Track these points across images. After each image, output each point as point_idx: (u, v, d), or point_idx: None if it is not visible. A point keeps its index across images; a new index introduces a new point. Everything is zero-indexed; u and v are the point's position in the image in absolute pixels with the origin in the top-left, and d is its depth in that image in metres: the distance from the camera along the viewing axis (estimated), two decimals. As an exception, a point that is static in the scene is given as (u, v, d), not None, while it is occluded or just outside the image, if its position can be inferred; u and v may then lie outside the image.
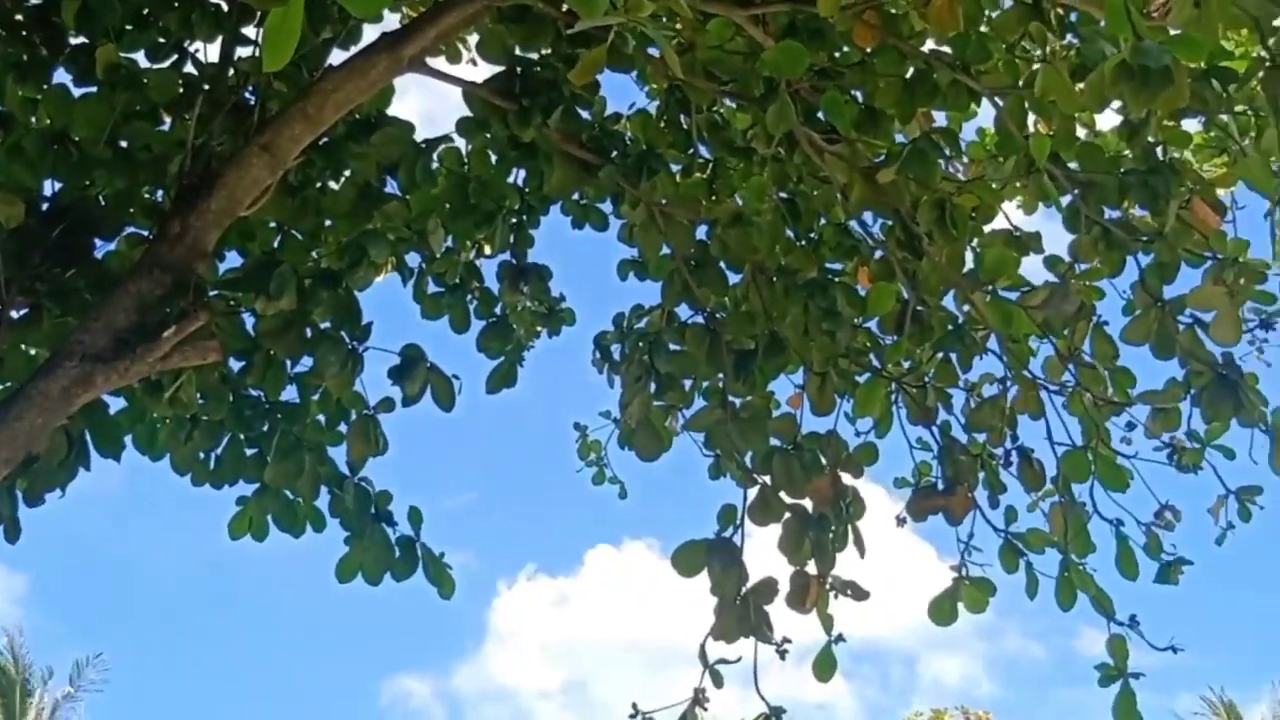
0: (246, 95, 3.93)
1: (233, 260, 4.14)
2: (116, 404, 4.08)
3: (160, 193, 3.86)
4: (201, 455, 4.27)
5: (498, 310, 4.41)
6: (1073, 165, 3.58)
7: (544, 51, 3.95)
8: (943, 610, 3.95)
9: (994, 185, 4.01)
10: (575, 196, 4.23)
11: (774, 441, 3.78)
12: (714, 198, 3.78)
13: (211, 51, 3.99)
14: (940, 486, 3.89)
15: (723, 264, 3.76)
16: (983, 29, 3.61)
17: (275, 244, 4.15)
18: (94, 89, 3.82)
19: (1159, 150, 3.75)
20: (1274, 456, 3.63)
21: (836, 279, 3.81)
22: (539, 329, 4.51)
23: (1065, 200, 3.60)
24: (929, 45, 3.69)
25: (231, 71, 3.98)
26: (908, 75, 3.64)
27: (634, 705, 3.87)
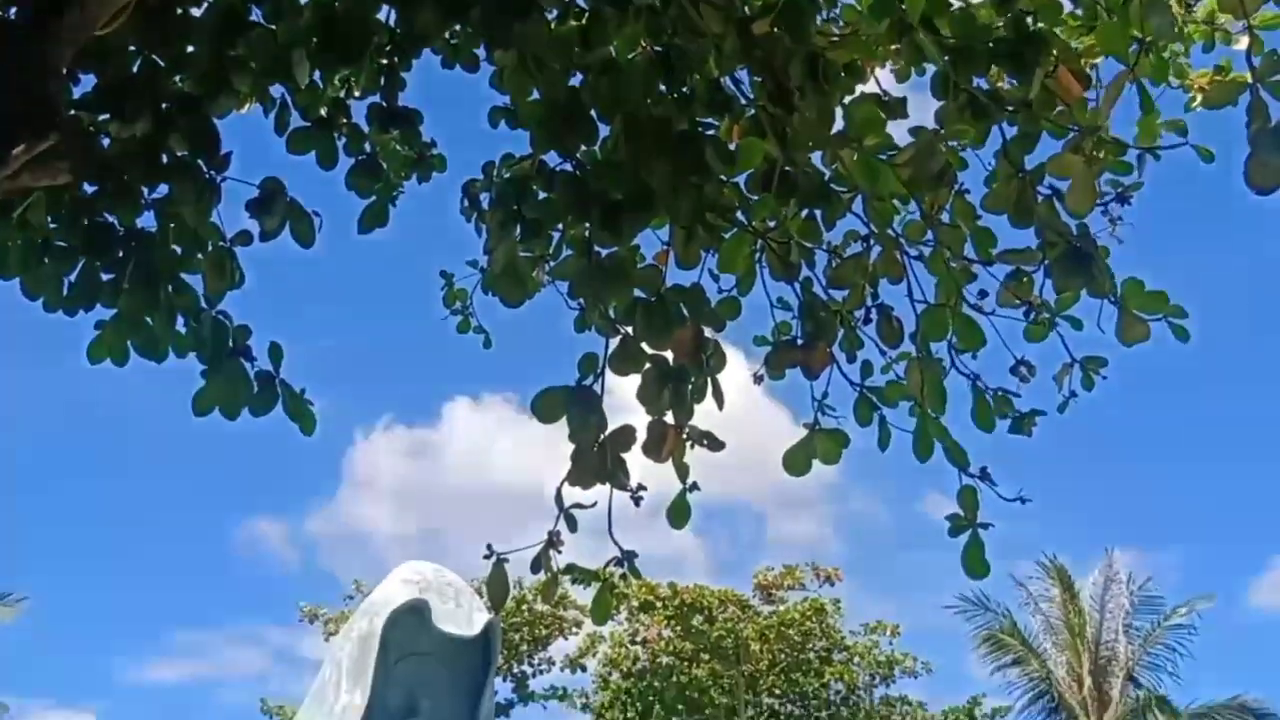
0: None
1: (90, 83, 4.00)
2: (-39, 225, 3.96)
3: (12, 10, 3.70)
4: (55, 281, 4.17)
5: (367, 148, 4.34)
6: (945, 32, 3.60)
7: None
8: (796, 460, 4.04)
9: (866, 40, 4.01)
10: (446, 37, 4.15)
11: (638, 293, 3.81)
12: (587, 46, 3.72)
13: None
14: (799, 342, 3.97)
15: (594, 113, 3.74)
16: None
17: (134, 68, 4.01)
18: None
19: (1029, 20, 3.78)
20: (1120, 328, 3.76)
21: (707, 134, 3.80)
22: (406, 174, 4.44)
23: (935, 68, 3.63)
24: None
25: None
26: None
27: (489, 546, 3.93)
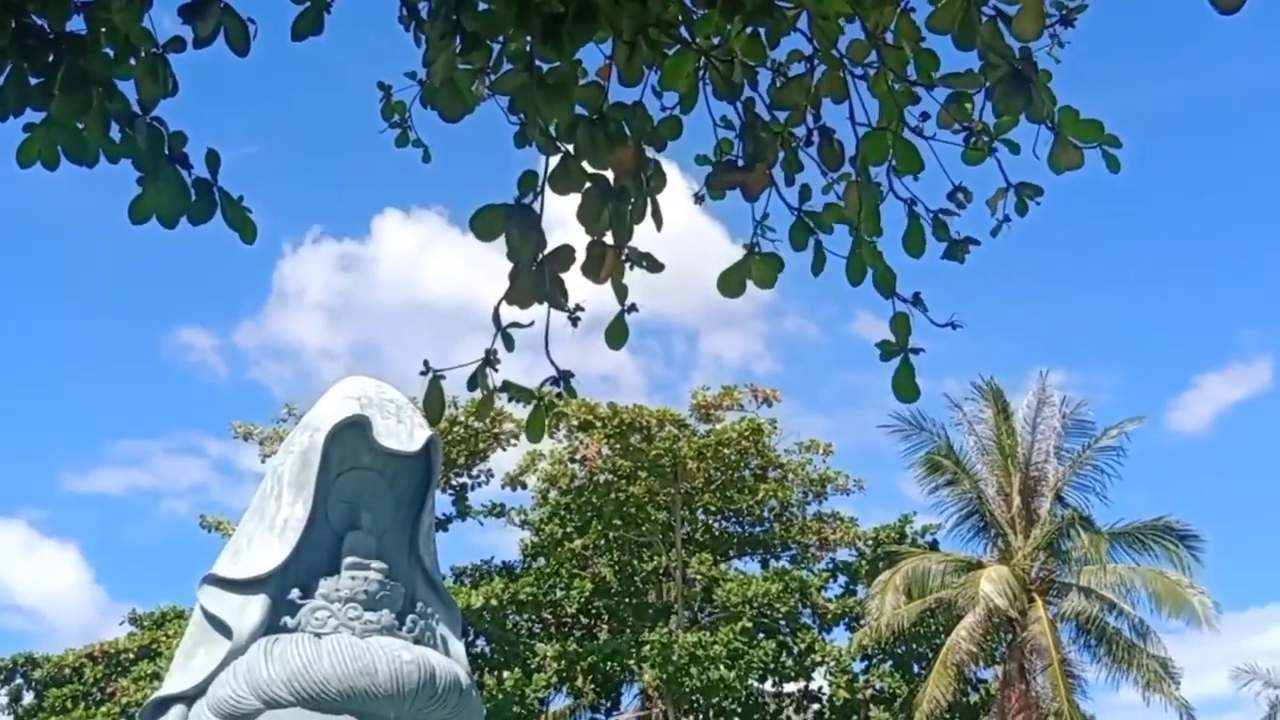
0: None
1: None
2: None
3: None
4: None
5: (300, -47, 4.21)
6: None
7: None
8: (731, 282, 4.05)
9: None
10: None
11: (579, 109, 3.76)
12: None
13: None
14: (740, 163, 3.94)
15: (536, -77, 3.65)
16: None
17: None
18: None
19: None
20: (1054, 154, 3.77)
21: (651, -54, 3.72)
22: (341, -19, 4.32)
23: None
24: None
25: None
26: None
27: (425, 362, 3.93)
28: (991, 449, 30.98)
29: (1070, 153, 3.79)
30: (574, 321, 3.77)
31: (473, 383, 3.80)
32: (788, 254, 4.06)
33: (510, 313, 3.76)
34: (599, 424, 30.81)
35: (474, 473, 33.19)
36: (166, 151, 4.18)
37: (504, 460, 33.67)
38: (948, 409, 31.50)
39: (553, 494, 33.20)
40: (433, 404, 3.89)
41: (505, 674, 30.96)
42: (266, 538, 9.45)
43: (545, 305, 3.74)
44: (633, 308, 3.83)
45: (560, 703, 34.58)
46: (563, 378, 3.85)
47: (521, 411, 29.60)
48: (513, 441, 32.80)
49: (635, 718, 34.76)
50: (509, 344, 3.75)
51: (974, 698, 32.17)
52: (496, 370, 3.82)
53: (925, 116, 3.92)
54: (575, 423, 31.11)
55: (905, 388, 4.08)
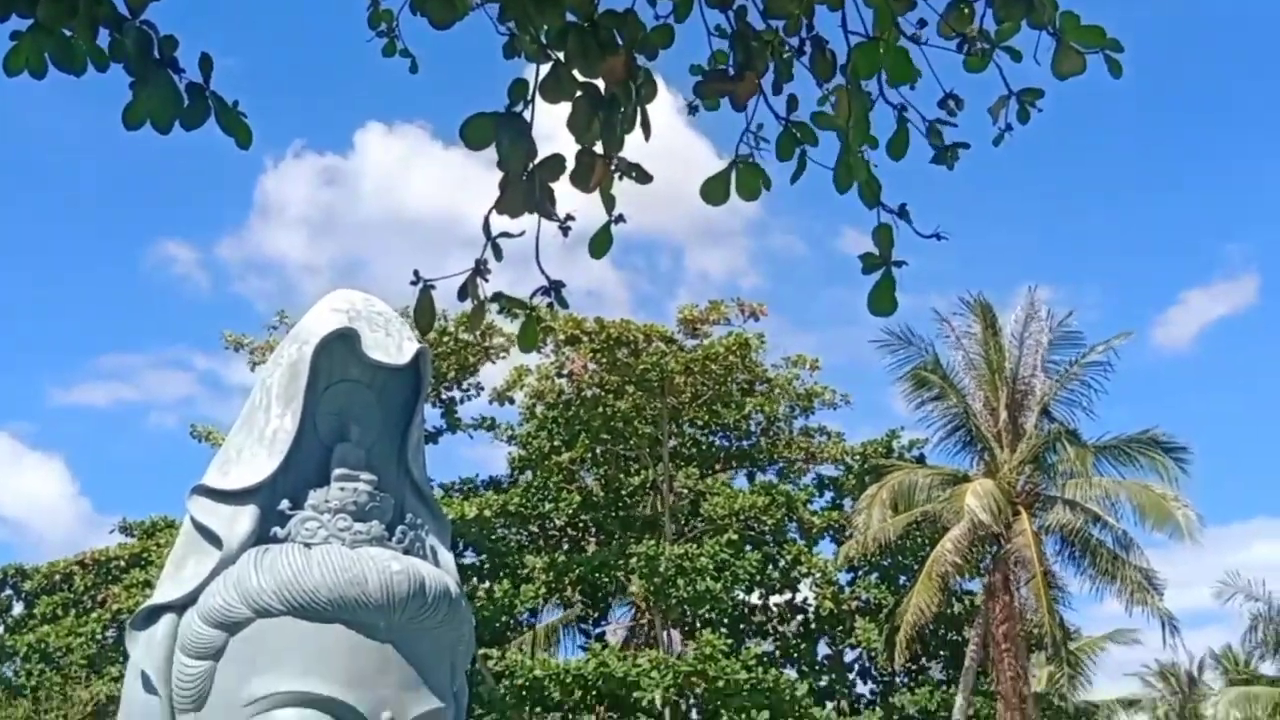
0: None
1: None
2: None
3: None
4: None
5: None
6: None
7: None
8: (715, 190, 4.03)
9: None
10: None
11: (570, 17, 3.73)
12: None
13: None
14: (730, 72, 3.91)
15: None
16: None
17: None
18: None
19: None
20: (1056, 60, 3.74)
21: None
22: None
23: None
24: None
25: None
26: None
27: (415, 272, 3.93)
28: (979, 364, 31.11)
29: (1072, 58, 3.77)
30: (564, 231, 3.77)
31: (463, 293, 3.80)
32: (774, 168, 4.04)
33: (500, 223, 3.75)
34: (586, 339, 30.83)
35: (464, 386, 33.23)
36: (157, 55, 4.13)
37: (493, 374, 33.77)
38: (935, 323, 31.61)
39: (540, 409, 33.28)
40: (423, 314, 3.89)
41: (494, 585, 31.20)
42: (255, 450, 9.44)
43: (535, 215, 3.74)
44: (620, 218, 3.82)
45: (550, 614, 34.92)
46: (554, 288, 3.86)
47: (511, 326, 29.58)
48: (502, 356, 32.84)
49: (625, 628, 35.12)
50: (498, 254, 3.75)
51: (958, 609, 32.51)
52: (486, 280, 3.82)
53: (923, 24, 3.88)
54: (562, 337, 31.11)
55: (883, 300, 4.08)
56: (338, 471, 9.39)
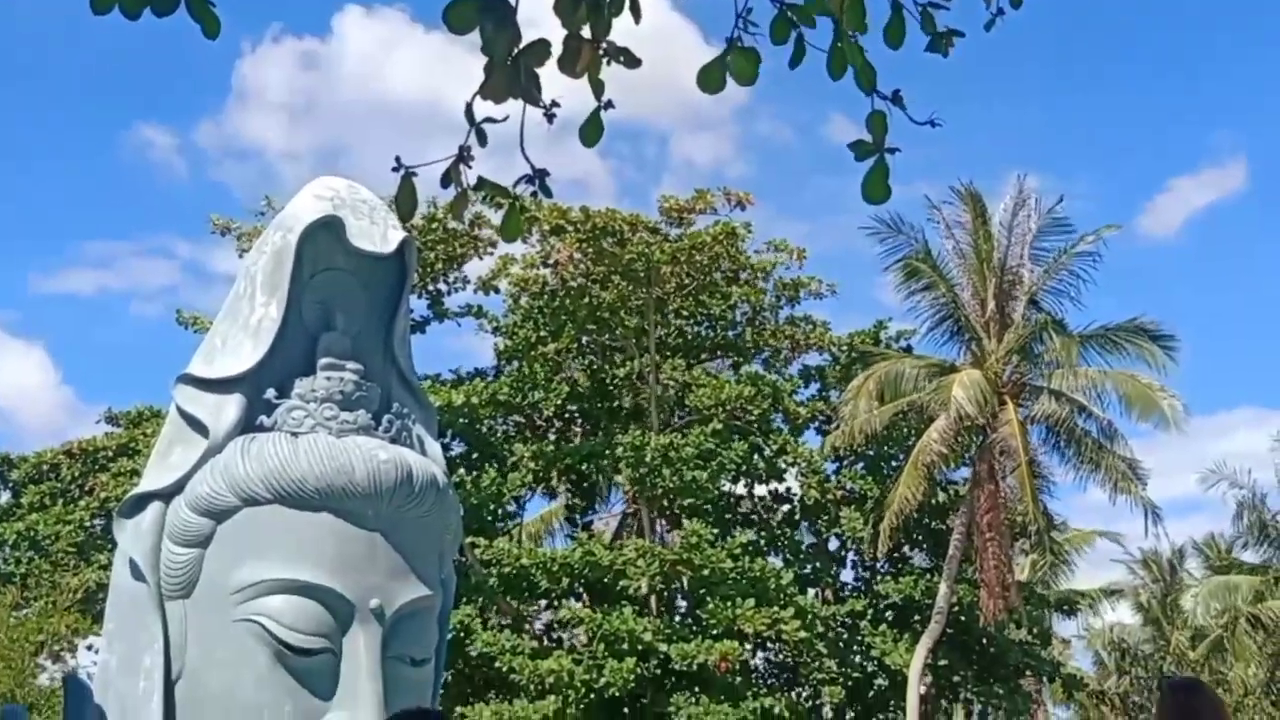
0: None
1: None
2: None
3: None
4: None
5: None
6: None
7: None
8: (711, 77, 3.97)
9: None
10: None
11: (554, -104, 3.65)
12: None
13: None
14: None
15: None
16: None
17: None
18: None
19: None
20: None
21: None
22: None
23: None
24: None
25: None
26: None
27: (397, 159, 3.87)
28: (968, 253, 31.06)
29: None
30: (549, 118, 3.71)
31: (446, 180, 3.76)
32: (766, 51, 3.98)
33: (484, 108, 3.69)
34: (571, 228, 30.68)
35: (450, 280, 33.12)
36: (126, -62, 4.04)
37: (481, 268, 33.64)
38: (925, 210, 31.49)
39: (525, 299, 33.20)
40: (404, 201, 3.84)
41: (481, 474, 31.35)
42: (241, 338, 9.40)
43: (520, 102, 3.67)
44: (610, 104, 3.76)
45: (537, 504, 35.17)
46: (538, 176, 3.81)
47: (498, 217, 29.43)
48: (489, 249, 32.67)
49: (613, 518, 35.38)
50: (482, 139, 3.69)
51: (943, 498, 32.77)
52: (470, 167, 3.77)
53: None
54: (547, 227, 30.96)
55: (876, 188, 4.04)
56: (323, 360, 9.37)
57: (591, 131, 3.77)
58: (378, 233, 9.86)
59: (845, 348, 33.61)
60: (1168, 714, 5.29)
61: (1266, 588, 37.44)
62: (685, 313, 33.53)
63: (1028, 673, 34.76)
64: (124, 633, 9.13)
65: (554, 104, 3.65)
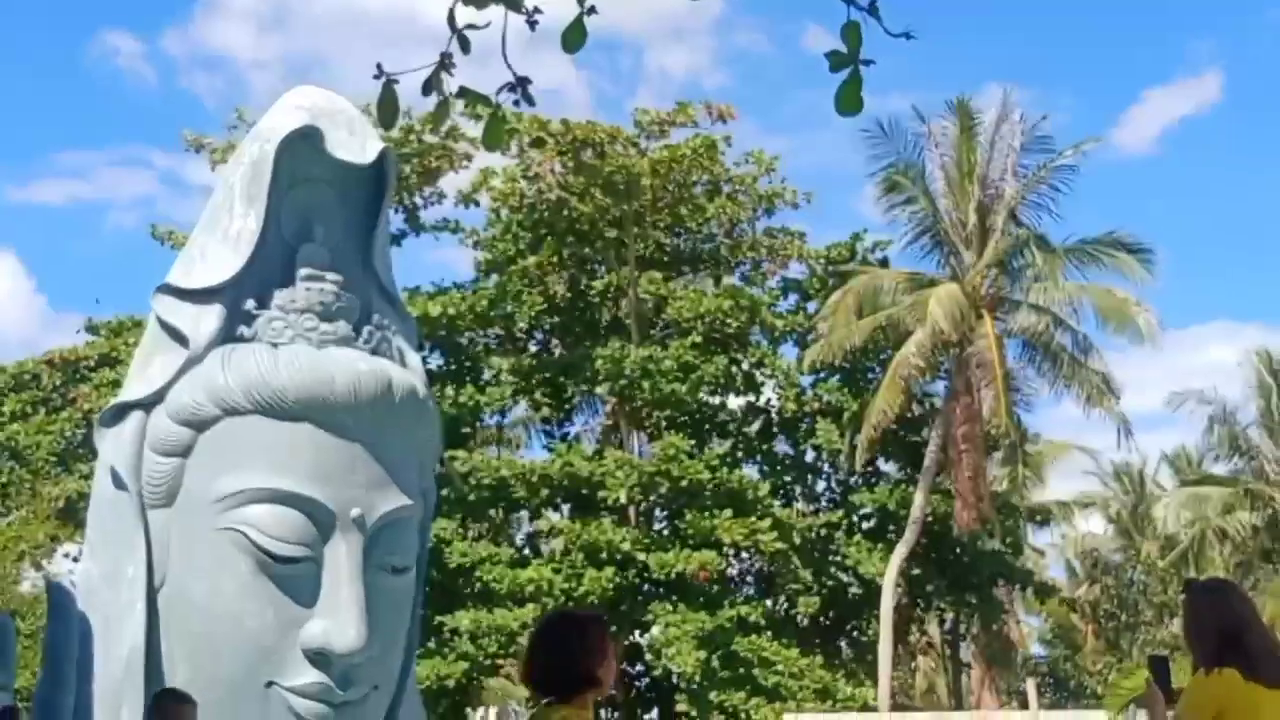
0: None
1: None
2: None
3: None
4: None
5: None
6: None
7: None
8: (693, -14, 3.97)
9: None
10: None
11: None
12: None
13: None
14: None
15: None
16: None
17: None
18: None
19: None
20: None
21: None
22: None
23: None
24: None
25: None
26: None
27: (378, 66, 3.86)
28: (950, 166, 30.98)
29: None
30: (531, 25, 3.70)
31: (427, 88, 3.75)
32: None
33: (466, 14, 3.68)
34: (551, 140, 30.49)
35: (426, 193, 32.93)
36: None
37: (457, 182, 33.42)
38: (911, 122, 31.36)
39: (504, 212, 33.06)
40: (386, 109, 3.84)
41: (460, 387, 31.40)
42: (220, 249, 9.39)
43: (502, 8, 3.66)
44: (592, 9, 3.75)
45: (516, 416, 35.25)
46: (520, 84, 3.80)
47: (475, 129, 29.21)
48: (465, 163, 32.45)
49: (592, 431, 35.51)
50: (465, 46, 3.68)
51: (919, 411, 32.95)
52: (451, 75, 3.76)
53: None
54: (527, 139, 30.76)
55: (850, 100, 4.04)
56: (303, 271, 9.36)
57: (574, 36, 3.76)
58: (356, 143, 9.81)
59: (822, 260, 33.59)
60: (1197, 615, 5.31)
61: (1236, 500, 37.83)
62: (664, 225, 33.45)
63: (1000, 582, 35.16)
64: (106, 542, 9.19)
65: (536, 10, 3.64)
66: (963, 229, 30.72)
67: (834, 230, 46.77)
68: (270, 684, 8.58)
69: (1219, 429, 38.48)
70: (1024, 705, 23.34)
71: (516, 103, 3.92)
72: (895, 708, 31.08)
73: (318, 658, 8.58)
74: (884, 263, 33.26)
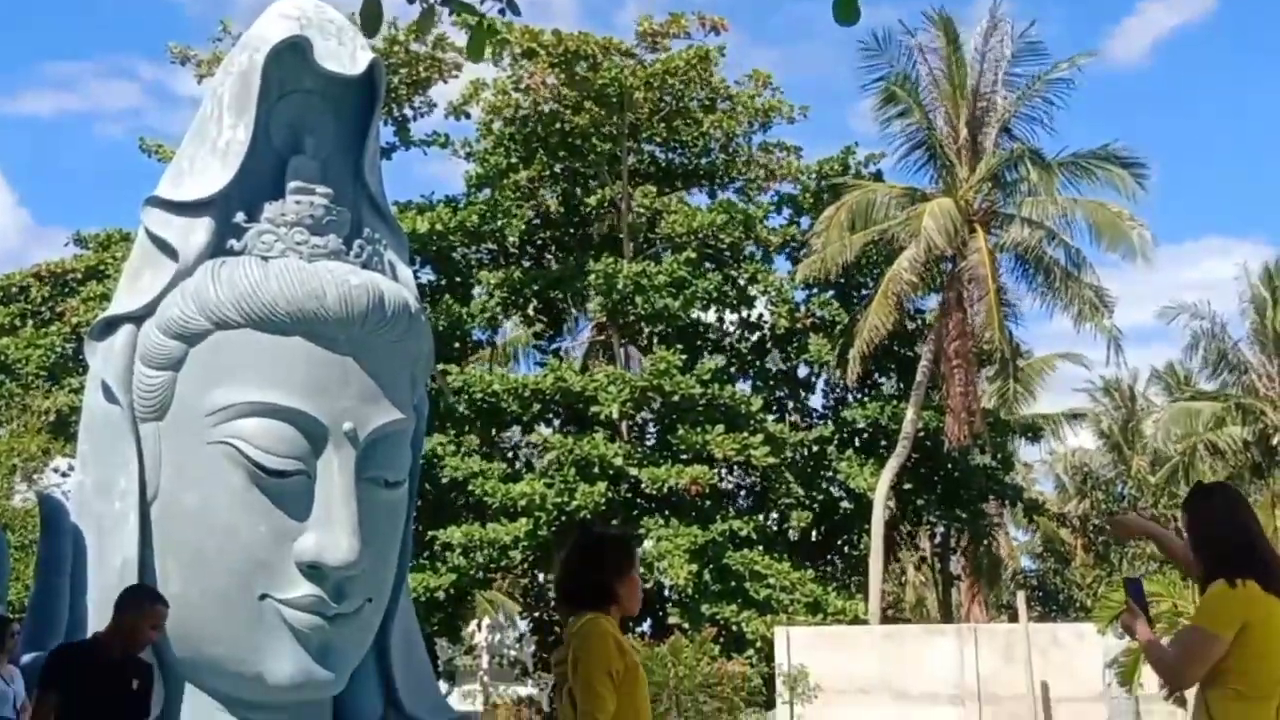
0: None
1: None
2: None
3: None
4: None
5: None
6: None
7: None
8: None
9: None
10: None
11: None
12: None
13: None
14: None
15: None
16: None
17: None
18: None
19: None
20: None
21: None
22: None
23: None
24: None
25: None
26: None
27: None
28: (941, 80, 30.76)
29: None
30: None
31: (416, -5, 3.68)
32: None
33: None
34: (543, 52, 30.20)
35: (415, 104, 32.63)
36: None
37: (447, 92, 33.16)
38: (901, 36, 31.08)
39: (496, 125, 32.80)
40: (369, 16, 3.77)
41: (452, 302, 31.35)
42: (209, 161, 9.32)
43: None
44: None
45: (509, 332, 35.22)
46: (510, -9, 3.73)
47: (463, 39, 28.93)
48: (454, 74, 32.13)
49: (583, 346, 35.51)
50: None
51: (911, 326, 32.96)
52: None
53: None
54: (519, 50, 30.46)
55: (846, 8, 3.98)
56: (293, 184, 9.29)
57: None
58: (346, 54, 9.70)
59: (814, 175, 33.40)
60: (1205, 522, 5.22)
61: (1227, 414, 37.97)
62: (658, 139, 33.20)
63: (990, 497, 35.32)
64: (98, 455, 9.20)
65: (525, -82, 3.57)
66: (955, 142, 30.55)
67: (825, 146, 46.43)
68: (264, 597, 8.63)
69: (1210, 344, 38.51)
70: (1013, 618, 23.58)
71: (502, 11, 3.86)
72: (885, 620, 31.37)
73: (311, 571, 8.62)
74: (877, 176, 33.12)
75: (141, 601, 7.70)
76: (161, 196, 9.27)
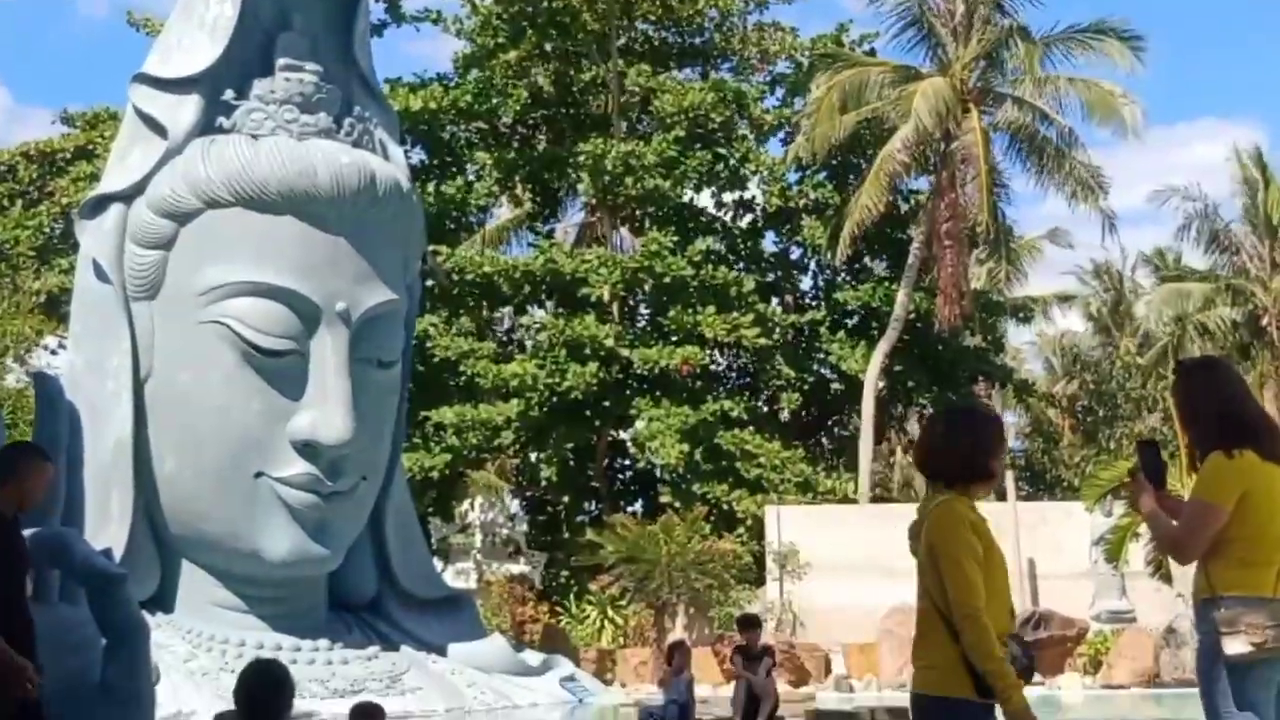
0: None
1: None
2: None
3: None
4: None
5: None
6: None
7: None
8: None
9: None
10: None
11: None
12: None
13: None
14: None
15: None
16: None
17: None
18: None
19: None
20: None
21: None
22: None
23: None
24: None
25: None
26: None
27: None
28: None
29: None
30: None
31: None
32: None
33: None
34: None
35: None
36: None
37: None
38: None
39: (486, 2, 32.35)
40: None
41: (444, 183, 31.15)
42: (197, 36, 9.23)
43: None
44: None
45: (500, 213, 35.01)
46: None
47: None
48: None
49: (575, 227, 35.36)
50: None
51: (904, 208, 32.83)
52: None
53: None
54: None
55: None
56: (282, 61, 9.21)
57: None
58: (333, -73, 9.55)
59: (808, 52, 33.02)
60: (1193, 393, 5.20)
61: (1217, 294, 37.95)
62: (652, 17, 32.79)
63: (980, 379, 35.47)
64: (90, 334, 9.21)
65: None
66: (950, 20, 30.19)
67: (819, 23, 45.84)
68: (259, 475, 8.70)
69: (1203, 224, 38.36)
70: (1001, 498, 23.77)
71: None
72: (874, 500, 31.66)
73: (306, 449, 8.68)
74: (871, 54, 32.73)
75: (34, 461, 7.72)
76: (150, 73, 9.20)
